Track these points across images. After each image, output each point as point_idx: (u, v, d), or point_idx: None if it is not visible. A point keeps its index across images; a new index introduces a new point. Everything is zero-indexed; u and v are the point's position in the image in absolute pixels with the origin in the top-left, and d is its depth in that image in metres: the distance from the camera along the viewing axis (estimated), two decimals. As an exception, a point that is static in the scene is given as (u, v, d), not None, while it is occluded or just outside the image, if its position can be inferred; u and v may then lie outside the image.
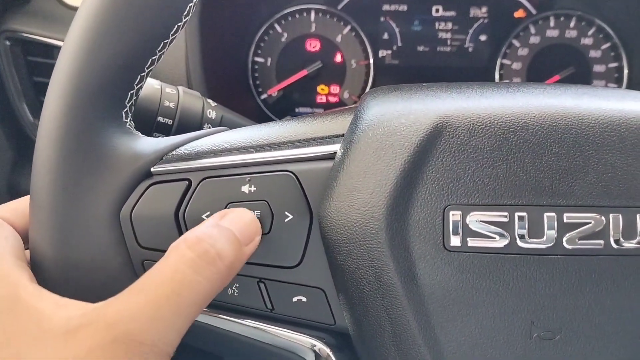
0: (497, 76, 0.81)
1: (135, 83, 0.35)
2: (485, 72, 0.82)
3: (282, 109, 0.84)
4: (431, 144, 0.31)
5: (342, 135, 0.35)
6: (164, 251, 0.34)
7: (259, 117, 0.84)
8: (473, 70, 0.82)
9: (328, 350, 0.34)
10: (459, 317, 0.30)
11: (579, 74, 0.80)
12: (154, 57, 0.35)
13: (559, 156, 0.30)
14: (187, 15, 0.35)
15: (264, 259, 0.34)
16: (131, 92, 0.35)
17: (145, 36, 0.34)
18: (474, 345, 0.30)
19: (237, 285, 0.35)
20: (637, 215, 0.30)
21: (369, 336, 0.33)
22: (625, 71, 0.80)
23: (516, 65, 0.81)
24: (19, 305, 0.29)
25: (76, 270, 0.34)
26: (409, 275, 0.30)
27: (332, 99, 0.84)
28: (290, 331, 0.35)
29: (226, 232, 0.31)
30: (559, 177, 0.30)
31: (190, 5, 0.35)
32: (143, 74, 0.35)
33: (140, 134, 0.37)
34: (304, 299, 0.34)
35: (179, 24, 0.35)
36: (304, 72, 0.82)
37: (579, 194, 0.30)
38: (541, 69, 0.81)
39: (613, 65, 0.80)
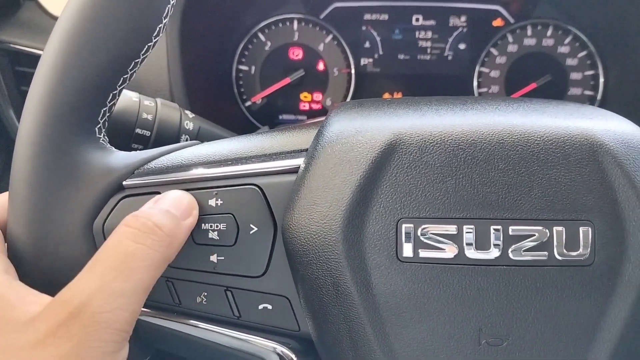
0: (475, 84, 0.83)
1: (108, 101, 0.37)
2: (464, 80, 0.84)
3: (266, 116, 0.86)
4: (385, 160, 0.32)
5: (307, 150, 0.36)
6: None
7: (243, 124, 0.85)
8: (452, 78, 0.84)
9: (292, 355, 0.36)
10: (411, 324, 0.32)
11: (556, 82, 0.82)
12: (125, 76, 0.37)
13: (505, 172, 0.31)
14: (157, 35, 0.37)
15: (230, 268, 0.36)
16: (104, 109, 0.37)
17: (116, 57, 0.35)
18: (426, 351, 0.32)
19: (206, 293, 0.36)
20: (580, 228, 0.31)
21: (329, 342, 0.34)
22: (601, 79, 0.82)
23: (494, 74, 0.83)
24: None
25: (50, 281, 0.35)
26: (364, 285, 0.32)
27: (315, 106, 0.85)
28: (256, 337, 0.36)
29: (162, 211, 0.33)
30: (505, 191, 0.31)
31: (160, 26, 0.37)
32: (115, 91, 0.37)
33: (113, 148, 0.38)
34: (269, 307, 0.36)
35: (149, 44, 0.37)
36: (287, 80, 0.83)
37: (524, 207, 0.31)
38: (519, 77, 0.82)
39: (589, 73, 0.82)
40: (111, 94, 0.37)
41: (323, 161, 0.34)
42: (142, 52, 0.37)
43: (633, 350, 0.32)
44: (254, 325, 0.37)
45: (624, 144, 0.32)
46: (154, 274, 0.31)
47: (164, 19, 0.37)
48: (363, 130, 0.34)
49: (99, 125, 0.37)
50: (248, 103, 0.85)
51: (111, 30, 0.35)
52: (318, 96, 0.85)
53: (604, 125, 0.33)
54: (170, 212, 0.33)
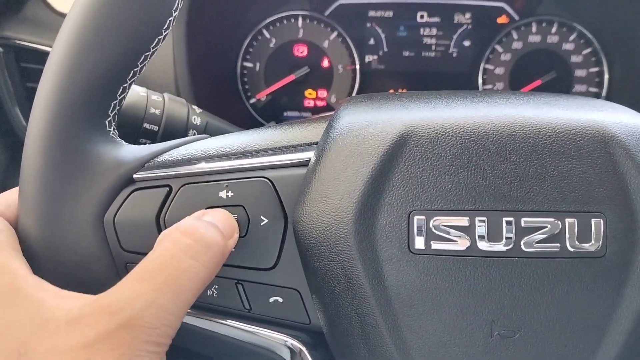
0: (480, 81, 0.83)
1: (118, 94, 0.37)
2: (468, 77, 0.84)
3: (271, 113, 0.86)
4: (397, 152, 0.32)
5: (316, 143, 0.36)
6: (146, 255, 0.35)
7: (248, 121, 0.85)
8: (457, 75, 0.84)
9: (303, 348, 0.36)
10: (423, 317, 0.32)
11: (561, 79, 0.82)
12: (135, 69, 0.37)
13: (517, 164, 0.31)
14: (167, 28, 0.37)
15: (241, 261, 0.36)
16: (114, 102, 0.37)
17: (126, 50, 0.35)
18: (439, 343, 0.32)
19: (216, 286, 0.36)
20: (592, 220, 0.31)
21: (340, 335, 0.34)
22: (606, 76, 0.82)
23: (499, 70, 0.83)
24: (20, 295, 0.30)
25: (62, 274, 0.36)
26: (376, 277, 0.32)
27: (320, 103, 0.85)
28: (267, 330, 0.36)
29: (211, 226, 0.32)
30: (517, 183, 0.31)
31: (170, 19, 0.37)
32: (125, 85, 0.37)
33: (123, 142, 0.38)
34: (280, 300, 0.36)
35: (160, 37, 0.37)
36: (291, 77, 0.83)
37: (536, 199, 0.31)
38: (523, 74, 0.82)
39: (594, 70, 0.82)
40: (121, 87, 0.37)
41: (334, 153, 0.34)
42: (153, 46, 0.37)
43: (645, 342, 0.33)
44: (265, 319, 0.37)
45: (635, 136, 0.32)
46: (201, 289, 0.31)
47: (174, 12, 0.37)
48: (374, 122, 0.34)
49: (109, 119, 0.37)
50: (253, 100, 0.85)
51: (122, 23, 0.35)
52: (323, 93, 0.85)
53: (615, 117, 0.33)
54: (218, 229, 0.32)
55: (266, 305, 0.36)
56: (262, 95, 0.85)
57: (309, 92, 0.85)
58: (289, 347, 0.36)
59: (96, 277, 0.36)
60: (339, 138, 0.34)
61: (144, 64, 0.37)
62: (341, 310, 0.33)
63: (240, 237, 0.35)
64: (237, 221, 0.35)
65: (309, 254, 0.34)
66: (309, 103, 0.85)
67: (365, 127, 0.34)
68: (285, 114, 0.86)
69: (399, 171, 0.32)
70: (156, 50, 0.37)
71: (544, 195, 0.31)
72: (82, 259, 0.36)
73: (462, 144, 0.32)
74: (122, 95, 0.37)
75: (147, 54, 0.37)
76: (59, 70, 0.35)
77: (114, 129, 0.38)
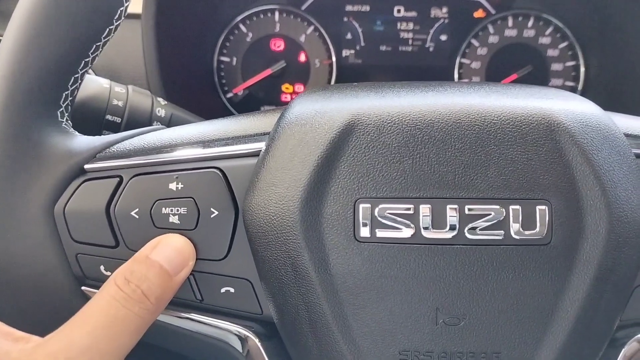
0: (456, 75, 0.83)
1: (69, 84, 0.36)
2: (445, 71, 0.84)
3: (248, 107, 0.85)
4: (343, 141, 0.32)
5: (269, 133, 0.36)
6: (96, 245, 0.36)
7: (225, 116, 0.85)
8: (434, 69, 0.84)
9: (255, 339, 0.36)
10: (369, 305, 0.32)
11: (537, 73, 0.82)
12: (86, 59, 0.36)
13: (461, 151, 0.31)
14: (119, 18, 0.37)
15: (192, 251, 0.35)
16: (65, 92, 0.37)
17: (76, 40, 0.35)
18: (384, 331, 0.32)
19: (168, 277, 0.36)
20: (537, 207, 0.31)
21: (289, 324, 0.34)
22: (582, 69, 0.82)
23: (475, 65, 0.83)
24: None
25: (13, 264, 0.35)
26: (322, 265, 0.32)
27: (297, 98, 0.85)
28: (219, 320, 0.36)
29: (155, 268, 0.33)
30: (462, 171, 0.31)
31: (121, 9, 0.36)
32: (77, 75, 0.37)
33: (76, 132, 0.38)
34: (232, 290, 0.36)
35: (111, 27, 0.36)
36: (268, 72, 0.83)
37: (480, 187, 0.31)
38: (500, 68, 0.82)
39: (570, 64, 0.82)
40: (73, 78, 0.37)
41: (282, 143, 0.33)
42: (104, 36, 0.37)
43: (591, 329, 0.33)
44: (217, 309, 0.36)
45: (582, 123, 0.32)
46: (137, 338, 0.32)
47: (126, 2, 0.37)
48: (322, 111, 0.33)
49: (61, 109, 0.37)
50: (229, 94, 0.85)
51: (71, 12, 0.35)
52: (300, 87, 0.85)
53: (563, 105, 0.33)
54: (163, 269, 0.33)
55: (218, 296, 0.36)
56: (239, 90, 0.85)
57: (286, 87, 0.85)
58: (241, 337, 0.36)
59: (46, 267, 0.36)
60: (287, 127, 0.34)
61: (96, 54, 0.37)
62: (289, 299, 0.33)
63: (190, 229, 0.35)
64: (186, 214, 0.35)
65: (257, 243, 0.34)
66: (286, 97, 0.85)
67: (314, 116, 0.33)
68: (262, 108, 0.86)
69: (345, 159, 0.32)
70: (108, 40, 0.37)
71: (488, 183, 0.31)
72: (32, 251, 0.35)
73: (408, 132, 0.32)
74: (75, 86, 0.37)
75: (98, 44, 0.37)
76: (8, 59, 0.35)
77: (67, 119, 0.38)
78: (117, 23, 0.37)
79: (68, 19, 0.34)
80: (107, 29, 0.36)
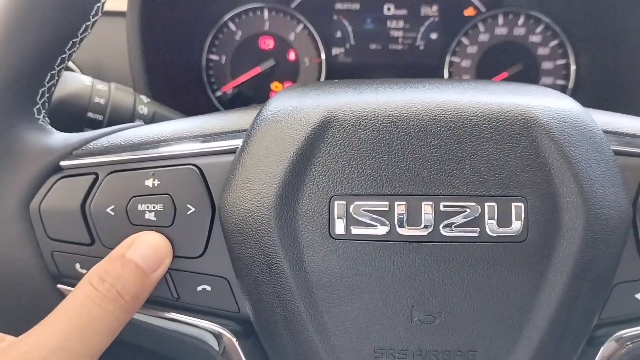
0: (446, 73, 0.83)
1: (46, 81, 0.36)
2: (435, 69, 0.83)
3: (237, 105, 0.85)
4: (318, 137, 0.32)
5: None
6: (72, 243, 0.35)
7: (214, 115, 0.85)
8: (424, 68, 0.84)
9: (232, 337, 0.36)
10: (344, 302, 0.32)
11: (527, 71, 0.82)
12: (63, 56, 0.36)
13: (437, 148, 0.31)
14: (96, 15, 0.36)
15: (168, 249, 0.35)
16: (42, 89, 0.36)
17: (52, 36, 0.35)
18: (359, 329, 0.32)
19: (144, 275, 0.36)
20: (512, 204, 0.31)
21: (264, 322, 0.34)
22: (572, 67, 0.82)
23: (465, 63, 0.83)
24: None
25: None
26: (297, 263, 0.32)
27: (287, 96, 0.85)
28: (195, 319, 0.36)
29: (130, 266, 0.33)
30: (437, 167, 0.31)
31: (97, 5, 0.36)
32: (53, 72, 0.36)
33: (53, 129, 0.38)
34: (209, 288, 0.35)
35: (87, 23, 0.36)
36: (257, 70, 0.83)
37: (456, 184, 0.31)
38: (490, 67, 0.82)
39: (560, 62, 0.82)
40: (49, 74, 0.36)
41: (258, 139, 0.33)
42: (80, 32, 0.36)
43: (569, 327, 0.32)
44: (194, 307, 0.36)
45: (559, 120, 0.32)
46: (112, 337, 0.32)
47: None
48: (298, 108, 0.33)
49: (37, 106, 0.37)
50: (219, 93, 0.85)
51: (45, 8, 0.34)
52: (289, 86, 0.84)
53: (541, 101, 0.33)
54: (138, 269, 0.33)
55: (194, 294, 0.36)
56: (228, 88, 0.84)
57: (275, 85, 0.84)
58: (217, 336, 0.36)
59: (22, 265, 0.36)
60: (263, 124, 0.34)
61: (73, 51, 0.37)
62: (264, 296, 0.33)
63: (166, 226, 0.35)
64: (163, 210, 0.35)
65: (233, 240, 0.33)
66: (276, 96, 0.85)
67: (289, 112, 0.33)
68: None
69: (320, 156, 0.32)
70: (85, 37, 0.37)
71: (463, 180, 0.31)
72: (7, 248, 0.35)
73: (383, 128, 0.32)
74: (51, 82, 0.37)
75: (74, 40, 0.36)
76: None
77: (43, 116, 0.37)
78: (94, 19, 0.36)
79: (42, 15, 0.34)
80: (84, 25, 0.36)
